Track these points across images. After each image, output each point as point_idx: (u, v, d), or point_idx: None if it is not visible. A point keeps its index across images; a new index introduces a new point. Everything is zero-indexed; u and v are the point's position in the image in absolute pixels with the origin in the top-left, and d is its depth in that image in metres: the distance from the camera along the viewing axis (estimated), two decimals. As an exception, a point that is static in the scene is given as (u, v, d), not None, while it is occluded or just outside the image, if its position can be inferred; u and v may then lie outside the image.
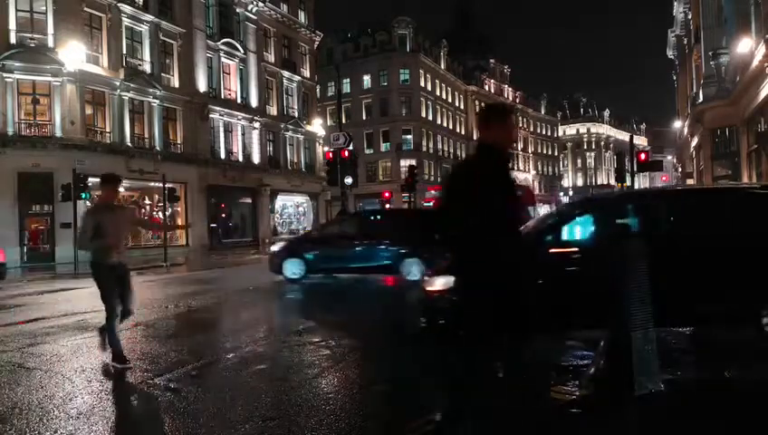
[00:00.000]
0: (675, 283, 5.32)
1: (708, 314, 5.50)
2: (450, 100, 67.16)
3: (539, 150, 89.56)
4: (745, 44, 17.84)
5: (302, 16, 41.43)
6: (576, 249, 5.86)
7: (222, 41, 32.65)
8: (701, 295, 5.39)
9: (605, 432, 3.79)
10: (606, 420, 3.91)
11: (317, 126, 42.49)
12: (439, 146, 63.12)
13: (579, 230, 6.23)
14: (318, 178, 39.44)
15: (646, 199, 6.75)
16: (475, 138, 74.42)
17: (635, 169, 23.04)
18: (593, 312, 5.41)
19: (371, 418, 4.23)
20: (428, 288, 5.92)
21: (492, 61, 77.04)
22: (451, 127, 66.65)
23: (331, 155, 21.43)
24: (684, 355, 5.59)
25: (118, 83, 26.12)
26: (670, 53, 42.44)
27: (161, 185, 24.03)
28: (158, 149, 28.23)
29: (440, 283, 5.58)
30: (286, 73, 38.82)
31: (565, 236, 5.96)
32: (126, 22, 27.11)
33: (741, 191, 7.37)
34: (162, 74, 28.94)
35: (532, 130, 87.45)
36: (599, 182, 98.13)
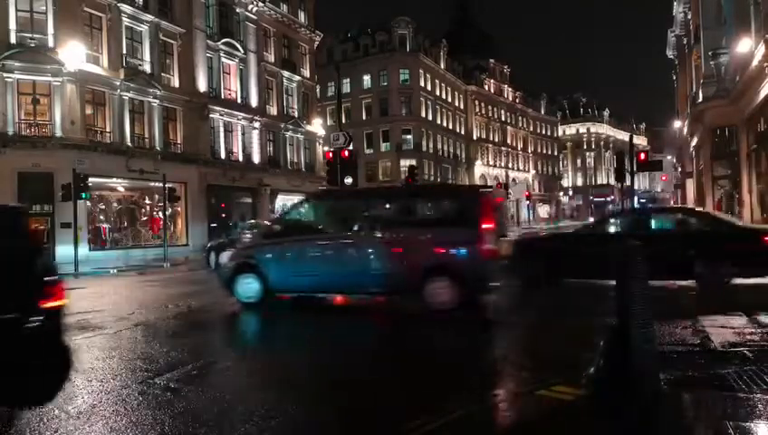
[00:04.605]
0: None
1: None
2: (450, 100, 67.14)
3: (539, 150, 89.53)
4: (745, 44, 17.87)
5: (302, 16, 41.40)
6: None
7: (222, 41, 32.62)
8: None
9: (605, 432, 3.79)
10: (605, 420, 3.91)
11: (317, 126, 42.47)
12: (439, 146, 63.10)
13: None
14: (318, 178, 39.39)
15: None
16: (475, 138, 73.53)
17: (635, 168, 23.06)
18: None
19: (372, 417, 4.24)
20: None
21: (492, 61, 77.00)
22: (451, 127, 66.65)
23: (331, 155, 21.36)
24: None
25: (118, 83, 26.09)
26: (670, 53, 42.44)
27: (161, 185, 24.04)
28: (158, 148, 28.20)
29: None
30: (286, 73, 38.80)
31: None
32: (126, 22, 27.07)
33: None
34: (162, 74, 28.90)
35: (531, 129, 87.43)
36: (598, 182, 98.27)
